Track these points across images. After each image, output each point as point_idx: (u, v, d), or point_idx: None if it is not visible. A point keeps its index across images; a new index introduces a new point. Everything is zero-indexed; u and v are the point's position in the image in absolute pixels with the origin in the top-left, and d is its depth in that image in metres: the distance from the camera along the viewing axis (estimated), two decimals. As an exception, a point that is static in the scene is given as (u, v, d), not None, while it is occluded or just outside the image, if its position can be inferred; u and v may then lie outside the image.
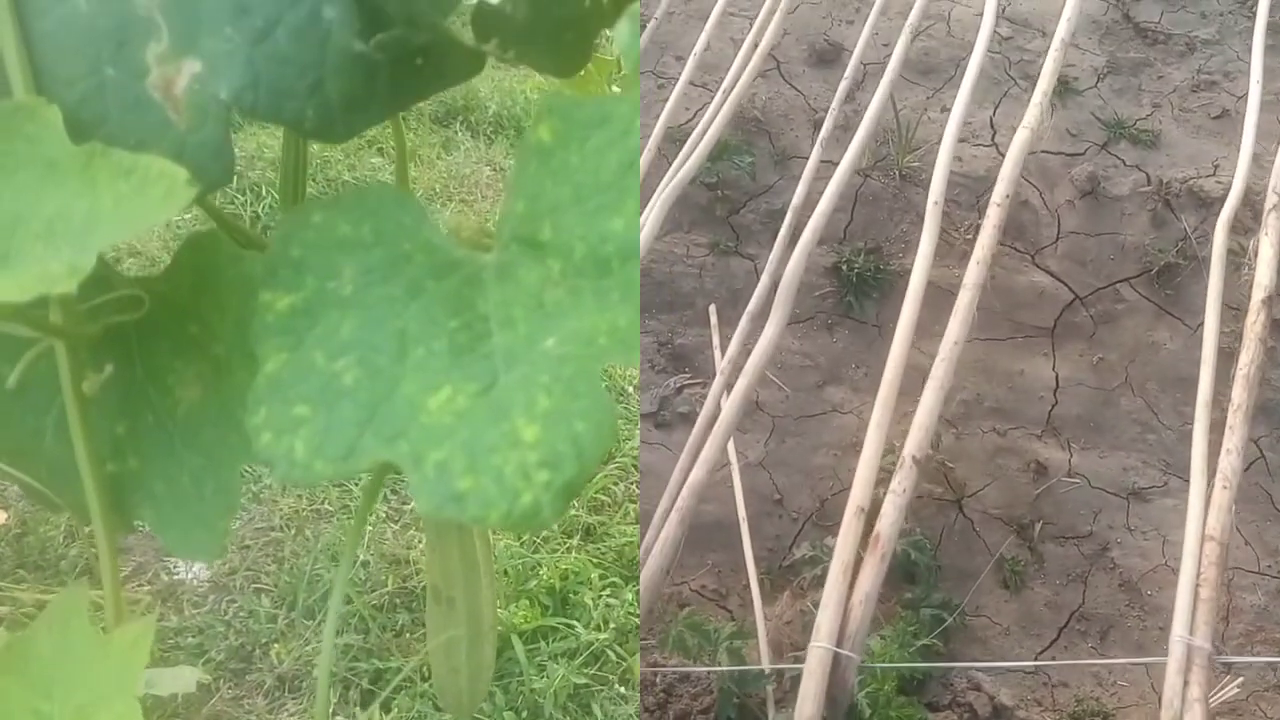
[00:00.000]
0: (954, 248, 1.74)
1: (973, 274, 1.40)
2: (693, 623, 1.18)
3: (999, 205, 1.50)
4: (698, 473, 1.14)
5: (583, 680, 1.90)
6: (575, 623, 1.98)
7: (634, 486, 2.38)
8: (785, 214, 1.66)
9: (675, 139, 1.83)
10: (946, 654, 1.27)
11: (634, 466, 2.34)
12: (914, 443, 1.24)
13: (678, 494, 1.16)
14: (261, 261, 0.49)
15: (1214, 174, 1.95)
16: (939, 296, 1.48)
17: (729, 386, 1.27)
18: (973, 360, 1.54)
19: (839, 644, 1.04)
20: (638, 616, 2.02)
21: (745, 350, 1.35)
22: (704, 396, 1.56)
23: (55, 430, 0.52)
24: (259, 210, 3.00)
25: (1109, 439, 1.61)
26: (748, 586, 1.32)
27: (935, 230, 1.47)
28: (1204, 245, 1.78)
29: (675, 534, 1.08)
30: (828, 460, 1.55)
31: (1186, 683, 1.05)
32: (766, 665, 1.19)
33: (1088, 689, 1.33)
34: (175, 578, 2.26)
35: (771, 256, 1.49)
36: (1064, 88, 2.02)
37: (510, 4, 0.52)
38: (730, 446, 1.37)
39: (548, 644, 1.97)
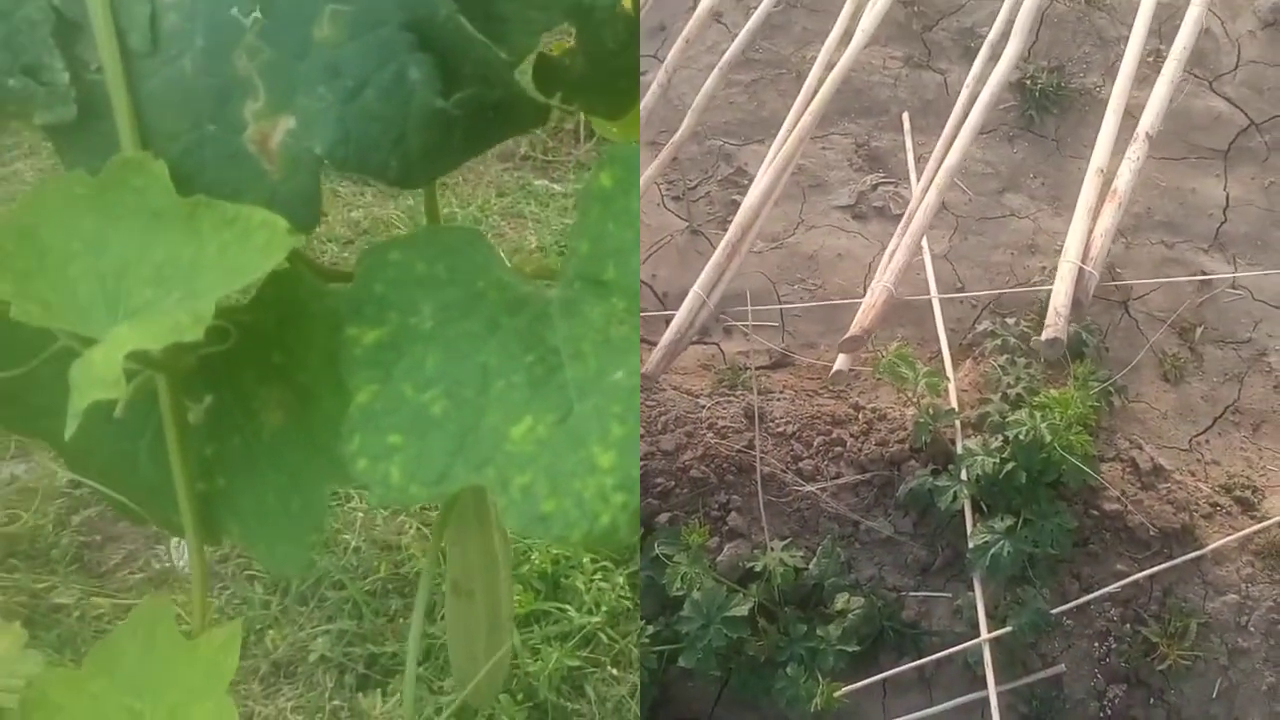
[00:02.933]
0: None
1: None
2: (901, 355, 1.31)
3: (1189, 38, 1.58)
4: (900, 257, 1.27)
5: (576, 662, 1.95)
6: (568, 606, 2.03)
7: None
8: (974, 31, 1.81)
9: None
10: (1109, 427, 1.40)
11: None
12: (1146, 123, 1.39)
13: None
14: (345, 297, 0.54)
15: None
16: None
17: (925, 186, 1.40)
18: (1145, 177, 1.60)
19: (1083, 263, 1.21)
20: (629, 600, 2.08)
21: (939, 155, 1.47)
22: (896, 194, 1.75)
23: (148, 453, 0.56)
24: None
25: (1275, 258, 1.70)
26: (933, 356, 1.49)
27: (1138, 52, 1.56)
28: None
29: (881, 309, 1.21)
30: (1005, 258, 1.70)
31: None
32: (955, 404, 1.36)
33: (1239, 469, 1.43)
34: (166, 565, 2.28)
35: (972, 71, 1.61)
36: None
37: (569, 58, 0.57)
38: (924, 240, 1.53)
39: (541, 628, 2.02)
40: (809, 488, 1.35)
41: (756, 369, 1.50)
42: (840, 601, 1.23)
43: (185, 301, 0.48)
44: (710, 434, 1.39)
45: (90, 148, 0.51)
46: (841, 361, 1.34)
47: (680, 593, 1.21)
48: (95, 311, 0.49)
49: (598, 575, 2.14)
